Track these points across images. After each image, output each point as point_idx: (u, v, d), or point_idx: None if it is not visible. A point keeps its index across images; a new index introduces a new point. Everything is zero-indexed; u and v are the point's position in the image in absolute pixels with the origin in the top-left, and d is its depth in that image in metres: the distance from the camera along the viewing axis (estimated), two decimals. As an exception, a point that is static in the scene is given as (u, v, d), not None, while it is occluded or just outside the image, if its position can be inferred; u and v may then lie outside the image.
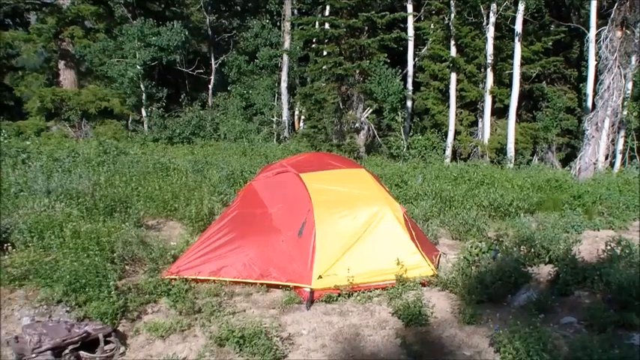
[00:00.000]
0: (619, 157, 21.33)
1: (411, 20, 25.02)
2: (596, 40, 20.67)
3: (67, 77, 26.01)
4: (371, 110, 23.32)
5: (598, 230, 10.92)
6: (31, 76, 26.31)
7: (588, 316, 6.43)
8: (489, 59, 23.13)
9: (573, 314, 6.70)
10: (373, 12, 22.08)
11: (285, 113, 27.18)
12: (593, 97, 21.08)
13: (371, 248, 7.25)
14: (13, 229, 7.71)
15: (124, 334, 5.99)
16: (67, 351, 5.38)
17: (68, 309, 6.14)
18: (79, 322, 5.79)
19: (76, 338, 5.46)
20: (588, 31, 21.03)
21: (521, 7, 22.01)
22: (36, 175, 10.37)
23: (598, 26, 20.71)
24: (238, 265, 7.23)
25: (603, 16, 21.04)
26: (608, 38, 20.14)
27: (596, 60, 20.92)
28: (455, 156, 24.14)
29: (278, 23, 29.49)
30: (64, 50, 25.77)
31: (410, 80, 25.23)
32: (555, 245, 8.37)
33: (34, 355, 5.26)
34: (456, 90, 24.42)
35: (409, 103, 25.16)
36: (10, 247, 7.21)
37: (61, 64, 26.07)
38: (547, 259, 8.20)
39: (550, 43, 24.12)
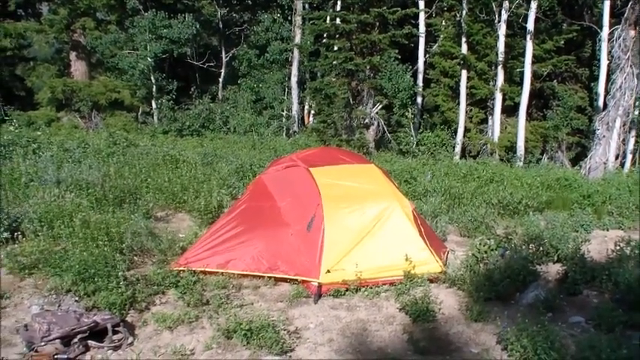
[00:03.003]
0: (629, 157, 21.13)
1: (422, 16, 24.85)
2: (609, 40, 20.51)
3: (78, 68, 26.12)
4: (381, 106, 23.29)
5: (607, 230, 10.88)
6: (42, 66, 26.47)
7: (596, 316, 6.40)
8: (500, 57, 23.02)
9: (581, 313, 6.68)
10: (385, 8, 22.09)
11: (295, 107, 27.11)
12: (605, 96, 20.97)
13: (379, 244, 7.22)
14: (23, 218, 7.77)
15: (132, 325, 6.01)
16: (75, 340, 5.41)
17: (77, 298, 6.16)
18: (88, 312, 5.82)
19: (85, 328, 5.48)
20: (601, 30, 20.91)
21: (533, 5, 21.89)
22: (46, 165, 10.42)
23: (611, 25, 20.54)
24: (247, 258, 7.23)
25: (616, 15, 20.87)
26: (621, 37, 19.99)
27: (608, 59, 20.78)
28: (464, 153, 24.03)
29: (289, 17, 29.33)
30: (75, 41, 25.86)
31: (420, 76, 25.07)
32: (564, 244, 8.34)
33: (43, 344, 5.30)
34: (467, 87, 24.28)
35: (419, 100, 25.08)
36: (20, 236, 7.24)
37: (73, 55, 26.16)
38: (556, 258, 8.16)
39: (562, 42, 23.95)
